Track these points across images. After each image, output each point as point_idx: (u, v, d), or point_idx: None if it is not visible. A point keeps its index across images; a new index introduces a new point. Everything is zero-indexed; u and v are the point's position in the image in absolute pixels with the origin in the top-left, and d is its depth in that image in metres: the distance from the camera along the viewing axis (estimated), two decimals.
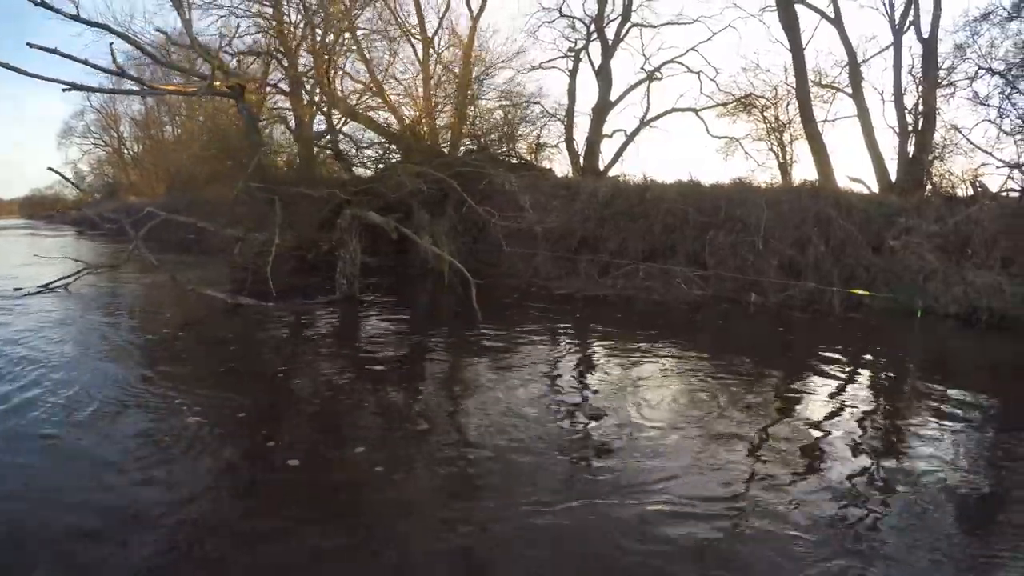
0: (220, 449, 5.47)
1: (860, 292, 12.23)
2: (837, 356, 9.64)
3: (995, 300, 12.32)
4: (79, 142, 39.72)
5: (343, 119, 19.06)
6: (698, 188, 15.99)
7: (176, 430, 5.72)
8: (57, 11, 11.85)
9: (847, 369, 9.16)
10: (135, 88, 16.45)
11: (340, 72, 19.63)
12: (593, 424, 6.40)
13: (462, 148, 20.32)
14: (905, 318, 12.61)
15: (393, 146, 19.03)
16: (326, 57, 18.66)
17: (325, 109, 18.86)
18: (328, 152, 18.91)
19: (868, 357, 9.89)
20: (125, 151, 38.47)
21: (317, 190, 14.86)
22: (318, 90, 18.19)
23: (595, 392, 7.65)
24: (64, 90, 12.07)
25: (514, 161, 19.88)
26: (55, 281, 13.29)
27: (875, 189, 18.00)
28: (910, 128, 18.18)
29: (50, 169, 30.54)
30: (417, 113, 18.60)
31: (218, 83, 14.42)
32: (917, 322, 12.19)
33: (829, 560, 3.92)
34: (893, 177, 18.07)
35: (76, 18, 12.25)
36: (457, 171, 16.90)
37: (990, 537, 4.39)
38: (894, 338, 11.55)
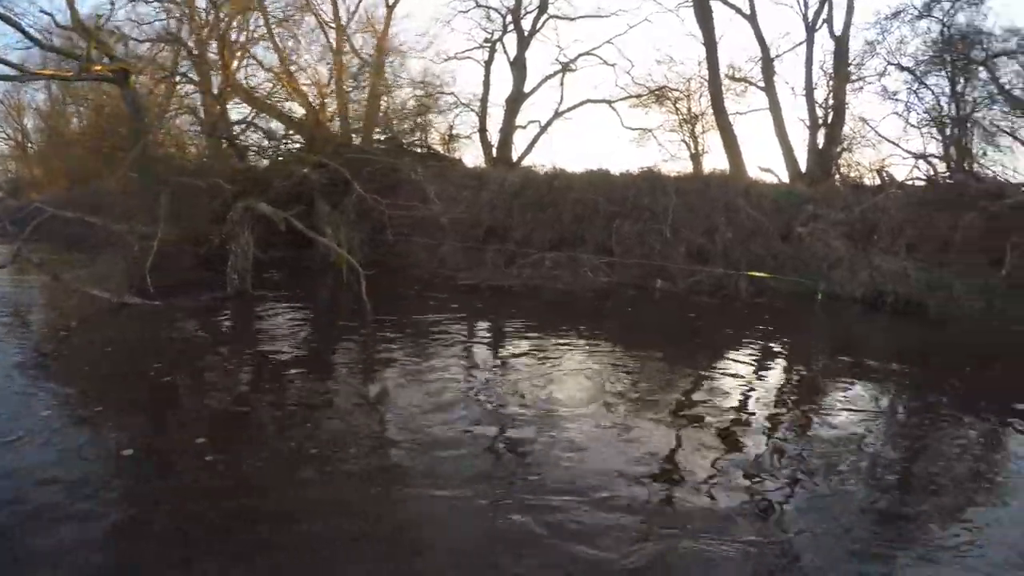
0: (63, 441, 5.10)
1: (761, 275, 11.88)
2: (745, 340, 9.34)
3: (900, 285, 12.19)
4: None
5: (253, 111, 17.95)
6: (607, 177, 15.56)
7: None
8: None
9: (754, 353, 8.82)
10: (12, 73, 15.00)
11: (247, 60, 18.65)
12: (495, 415, 5.98)
13: (375, 138, 19.46)
14: (811, 302, 12.41)
15: (296, 135, 18.02)
16: (236, 43, 17.66)
17: (223, 97, 17.64)
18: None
19: (775, 341, 9.62)
20: (30, 145, 35.72)
21: (206, 180, 13.82)
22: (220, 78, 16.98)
23: (494, 381, 7.16)
24: None
25: (422, 151, 19.08)
26: None
27: (785, 179, 17.93)
28: (820, 121, 18.22)
29: None
30: (320, 100, 17.56)
31: (100, 67, 13.31)
32: (819, 304, 12.06)
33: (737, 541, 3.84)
34: (803, 168, 18.03)
35: None
36: (364, 160, 16.24)
37: (890, 521, 4.26)
38: (800, 321, 11.38)
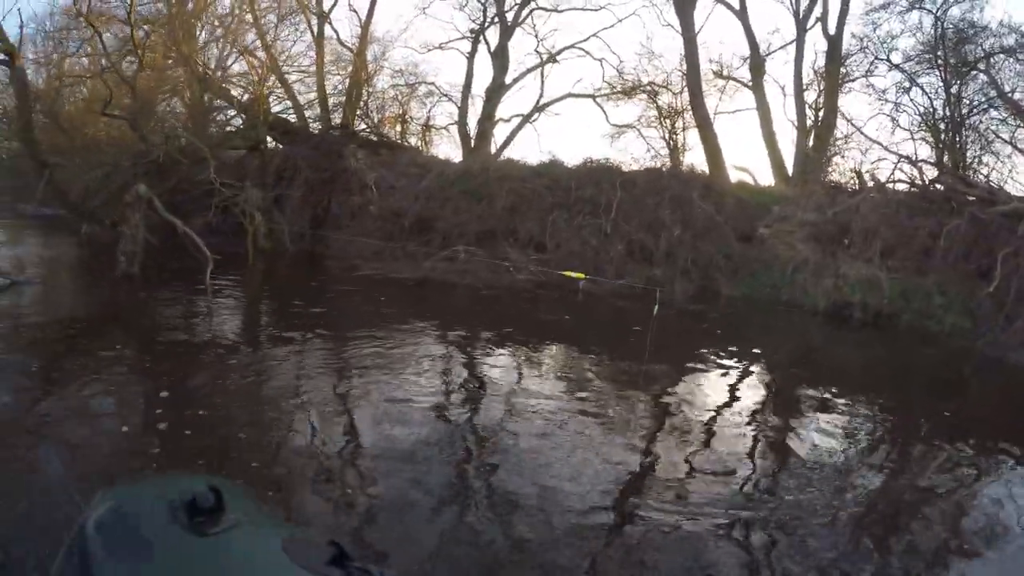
0: None
1: (575, 275, 9.95)
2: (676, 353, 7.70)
3: (870, 295, 10.35)
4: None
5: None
6: (551, 168, 13.93)
7: None
8: None
9: (695, 371, 7.29)
10: None
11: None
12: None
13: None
14: (767, 311, 10.64)
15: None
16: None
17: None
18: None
19: (718, 356, 7.94)
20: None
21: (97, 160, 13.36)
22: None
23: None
24: None
25: (375, 139, 17.74)
26: None
27: (769, 181, 16.34)
28: (810, 123, 16.48)
29: None
30: (256, 81, 16.30)
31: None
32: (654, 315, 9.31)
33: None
34: (790, 171, 16.29)
35: None
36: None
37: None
38: (746, 332, 9.52)
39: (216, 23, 17.45)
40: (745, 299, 11.15)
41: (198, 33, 16.44)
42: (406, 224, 13.30)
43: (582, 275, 9.88)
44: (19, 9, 28.95)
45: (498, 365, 7.13)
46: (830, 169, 15.59)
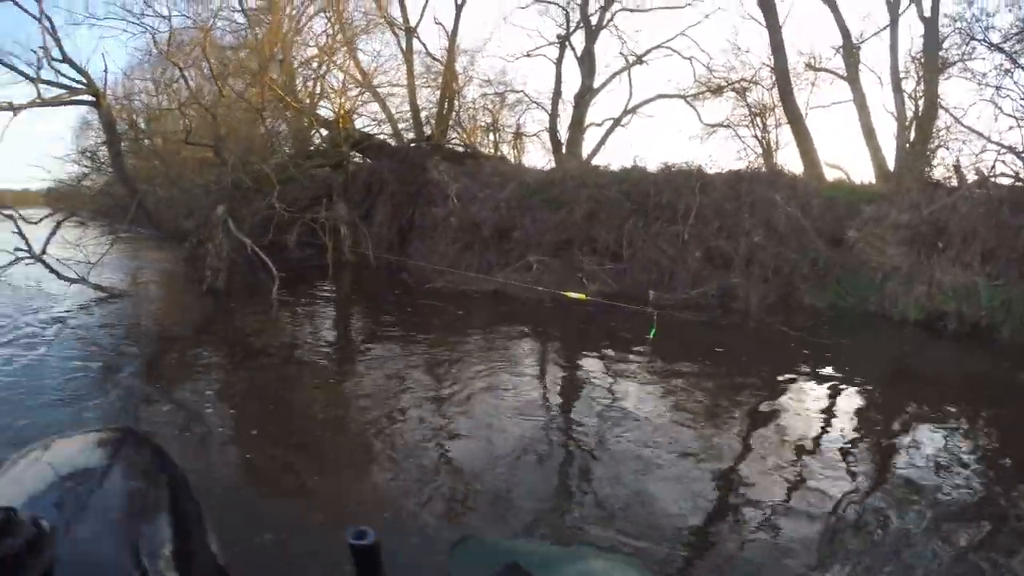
0: None
1: (577, 295, 9.58)
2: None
3: (966, 304, 9.69)
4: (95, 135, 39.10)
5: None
6: (630, 173, 13.74)
7: None
8: None
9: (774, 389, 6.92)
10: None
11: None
12: None
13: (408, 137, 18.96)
14: (852, 322, 10.13)
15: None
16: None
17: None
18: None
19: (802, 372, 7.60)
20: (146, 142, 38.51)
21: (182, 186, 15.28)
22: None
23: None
24: None
25: (458, 150, 18.08)
26: None
27: (867, 179, 15.51)
28: (909, 114, 15.47)
29: None
30: (340, 107, 16.97)
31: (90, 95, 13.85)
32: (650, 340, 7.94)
33: None
34: (891, 167, 15.38)
35: None
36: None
37: None
38: (838, 347, 8.90)
39: (309, 44, 18.38)
40: (830, 308, 10.65)
41: (292, 55, 17.28)
42: (485, 234, 13.53)
43: (583, 296, 9.77)
44: (103, 53, 31.56)
45: (580, 378, 7.30)
46: (934, 163, 14.53)
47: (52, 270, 11.40)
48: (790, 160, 17.11)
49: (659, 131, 39.40)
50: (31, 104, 12.86)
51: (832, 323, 10.13)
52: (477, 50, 21.25)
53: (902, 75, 15.75)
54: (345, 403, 6.29)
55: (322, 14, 18.42)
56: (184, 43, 16.63)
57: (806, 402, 6.47)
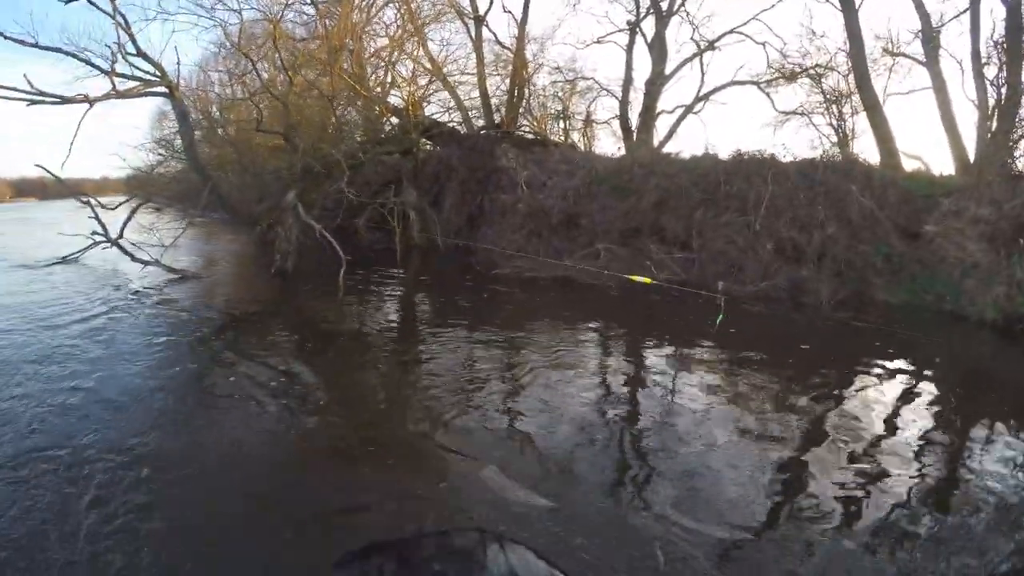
0: None
1: (641, 279, 9.56)
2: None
3: None
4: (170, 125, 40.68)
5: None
6: (700, 161, 13.67)
7: None
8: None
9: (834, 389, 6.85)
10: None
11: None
12: None
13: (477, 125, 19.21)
14: (924, 321, 9.93)
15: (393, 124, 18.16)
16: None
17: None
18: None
19: (882, 372, 7.40)
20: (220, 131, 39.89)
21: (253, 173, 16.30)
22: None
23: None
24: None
25: (529, 137, 18.21)
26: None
27: (947, 171, 15.07)
28: (992, 102, 14.93)
29: (37, 165, 31.72)
30: (410, 95, 17.27)
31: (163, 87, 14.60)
32: (716, 325, 8.12)
33: None
34: (972, 157, 14.91)
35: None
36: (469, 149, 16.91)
37: None
38: (910, 347, 8.58)
39: (380, 35, 18.70)
40: (904, 306, 10.47)
41: (362, 45, 17.61)
42: (553, 221, 13.70)
43: (648, 279, 9.82)
44: (175, 47, 32.60)
45: (645, 364, 7.53)
46: (1017, 155, 14.04)
47: (127, 252, 12.08)
48: (866, 150, 16.76)
49: (732, 119, 38.56)
50: (106, 96, 13.50)
51: (906, 320, 9.96)
52: (547, 37, 21.62)
53: (984, 61, 15.21)
54: (412, 384, 6.68)
55: (392, 4, 18.76)
56: (255, 35, 17.17)
57: (874, 399, 6.41)
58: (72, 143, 14.47)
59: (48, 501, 4.00)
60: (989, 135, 14.67)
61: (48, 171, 13.24)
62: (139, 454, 4.67)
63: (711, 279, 11.39)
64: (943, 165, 16.01)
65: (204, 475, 4.43)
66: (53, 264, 13.30)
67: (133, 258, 12.09)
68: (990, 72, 15.12)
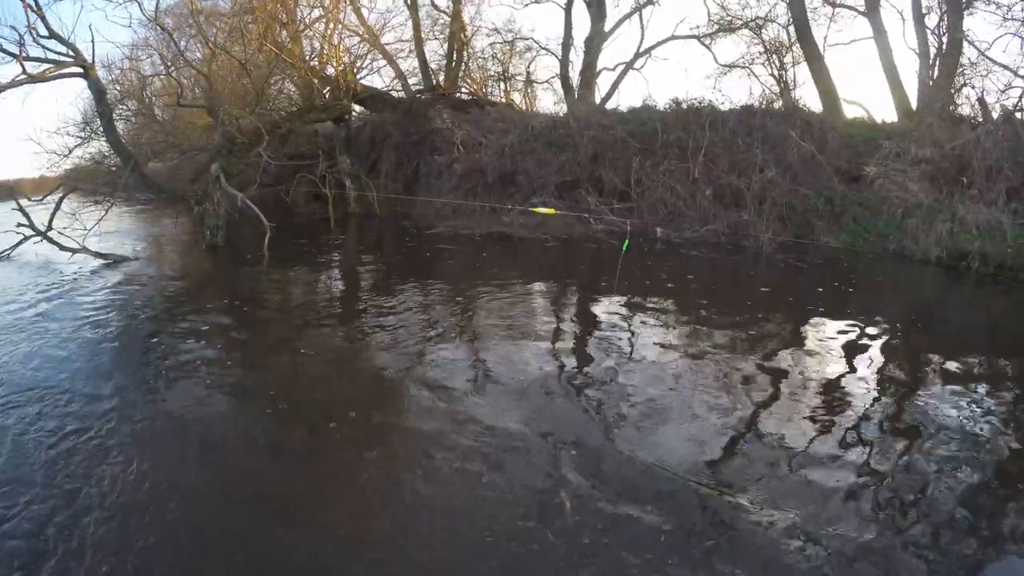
0: None
1: (545, 211, 9.44)
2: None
3: (991, 243, 9.15)
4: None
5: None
6: (637, 113, 13.24)
7: None
8: None
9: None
10: None
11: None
12: None
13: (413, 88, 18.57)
14: (871, 261, 9.60)
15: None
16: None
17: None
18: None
19: (827, 314, 7.00)
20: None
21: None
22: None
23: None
24: None
25: (464, 98, 17.58)
26: None
27: (889, 117, 14.92)
28: (932, 51, 14.77)
29: None
30: (339, 62, 16.45)
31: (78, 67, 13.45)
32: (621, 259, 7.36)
33: None
34: (914, 105, 14.74)
35: None
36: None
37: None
38: (855, 288, 8.39)
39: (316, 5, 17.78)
40: (847, 249, 10.14)
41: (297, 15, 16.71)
42: (489, 179, 13.15)
43: (551, 211, 9.55)
44: (90, 25, 31.34)
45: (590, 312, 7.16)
46: (958, 101, 13.87)
47: (54, 243, 11.25)
48: (809, 99, 16.55)
49: (674, 75, 38.48)
50: (15, 83, 12.45)
51: (849, 262, 9.64)
52: None
53: (924, 10, 15.07)
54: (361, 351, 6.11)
55: None
56: (173, 7, 16.35)
57: (820, 344, 6.03)
58: None
59: None
60: (930, 83, 14.50)
61: None
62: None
63: (651, 228, 10.98)
64: (885, 114, 15.78)
65: (128, 462, 3.91)
66: None
67: (61, 247, 11.25)
68: (931, 21, 15.01)
